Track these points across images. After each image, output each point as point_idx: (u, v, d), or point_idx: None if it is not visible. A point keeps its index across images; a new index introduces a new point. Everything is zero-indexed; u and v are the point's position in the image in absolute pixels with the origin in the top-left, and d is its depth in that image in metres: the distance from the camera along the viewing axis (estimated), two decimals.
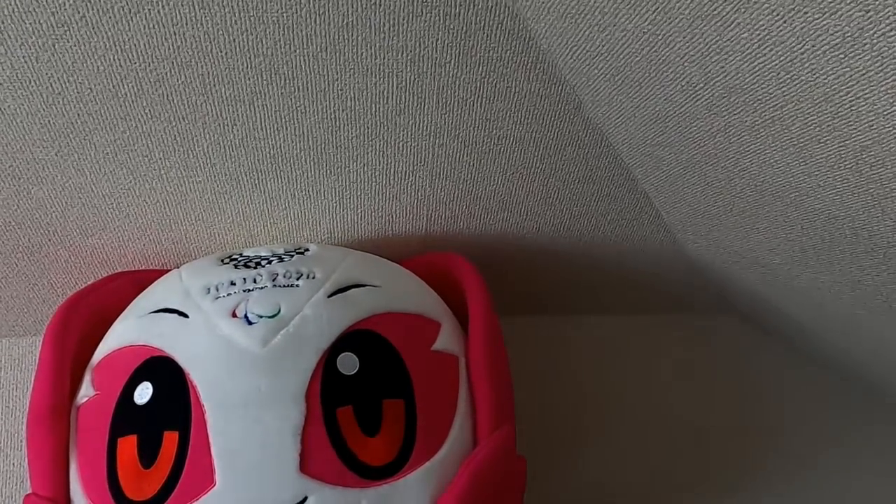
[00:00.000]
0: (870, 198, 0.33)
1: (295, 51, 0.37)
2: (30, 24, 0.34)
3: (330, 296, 0.37)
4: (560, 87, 0.39)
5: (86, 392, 0.37)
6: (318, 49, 0.37)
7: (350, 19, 0.35)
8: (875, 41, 0.25)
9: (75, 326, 0.40)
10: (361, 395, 0.34)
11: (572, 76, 0.38)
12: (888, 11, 0.23)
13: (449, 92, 0.39)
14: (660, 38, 0.31)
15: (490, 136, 0.42)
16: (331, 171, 0.42)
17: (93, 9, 0.34)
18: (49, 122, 0.38)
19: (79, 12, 0.34)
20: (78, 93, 0.37)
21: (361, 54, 0.37)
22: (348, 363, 0.35)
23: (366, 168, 0.43)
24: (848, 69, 0.27)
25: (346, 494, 0.33)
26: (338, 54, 0.37)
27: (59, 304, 0.40)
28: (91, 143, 0.39)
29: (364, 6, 0.35)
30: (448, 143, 0.42)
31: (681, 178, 0.42)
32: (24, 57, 0.35)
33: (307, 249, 0.41)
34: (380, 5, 0.35)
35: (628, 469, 0.49)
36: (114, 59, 0.36)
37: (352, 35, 0.36)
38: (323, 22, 0.35)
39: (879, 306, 0.42)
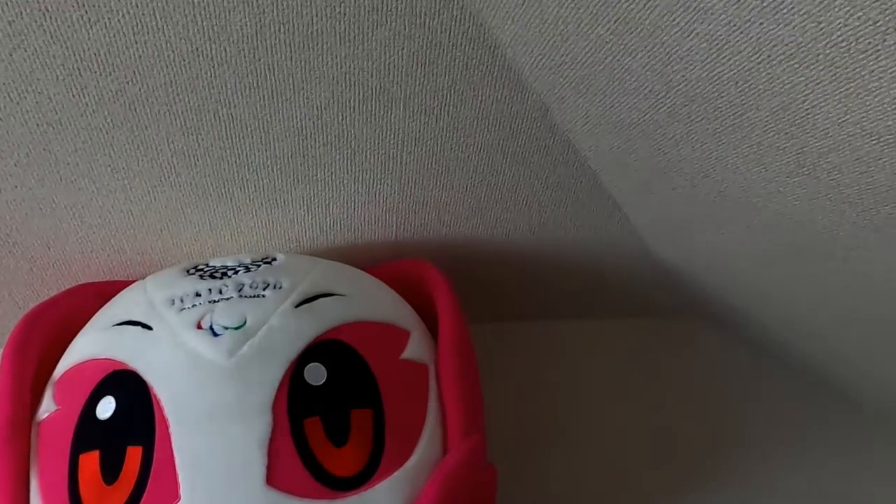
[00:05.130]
0: (829, 202, 0.34)
1: (259, 59, 0.36)
2: None
3: (297, 306, 0.36)
4: (526, 95, 0.40)
5: (47, 407, 0.37)
6: (283, 57, 0.36)
7: (315, 28, 0.35)
8: (827, 51, 0.25)
9: (36, 340, 0.39)
10: (329, 406, 0.34)
11: (538, 84, 0.39)
12: (839, 23, 0.24)
13: (415, 100, 0.39)
14: (621, 47, 0.32)
15: (457, 144, 0.42)
16: (298, 180, 0.42)
17: (51, 17, 0.33)
18: (8, 131, 0.37)
19: (36, 21, 0.33)
20: (37, 102, 0.36)
21: (327, 63, 0.37)
22: (316, 374, 0.35)
23: (333, 176, 0.42)
24: (803, 78, 0.27)
25: None
26: (303, 63, 0.37)
27: (20, 317, 0.39)
28: (52, 152, 0.39)
29: (329, 15, 0.35)
30: (416, 150, 0.42)
31: (647, 184, 0.42)
32: None
33: (275, 259, 0.41)
34: (344, 14, 0.35)
35: (601, 475, 0.50)
36: (74, 68, 0.35)
37: (316, 44, 0.36)
38: (287, 31, 0.35)
39: (841, 310, 0.43)
